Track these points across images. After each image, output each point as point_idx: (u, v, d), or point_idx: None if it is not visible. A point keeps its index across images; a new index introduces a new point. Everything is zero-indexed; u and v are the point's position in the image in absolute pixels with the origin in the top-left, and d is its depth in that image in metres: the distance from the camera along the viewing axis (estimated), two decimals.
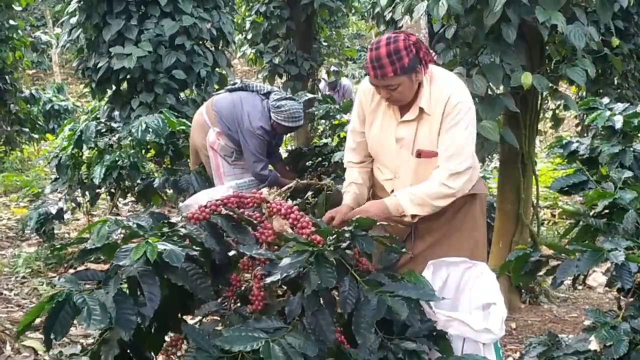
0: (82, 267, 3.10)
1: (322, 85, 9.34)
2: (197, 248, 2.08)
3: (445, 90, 2.56)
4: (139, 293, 1.96)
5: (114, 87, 6.37)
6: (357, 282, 2.03)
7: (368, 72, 2.54)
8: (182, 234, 2.12)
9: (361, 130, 2.79)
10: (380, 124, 2.71)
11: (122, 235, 2.10)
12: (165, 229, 2.12)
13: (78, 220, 6.23)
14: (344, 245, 2.13)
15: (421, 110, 2.58)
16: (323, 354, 1.90)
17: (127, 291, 2.00)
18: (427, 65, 2.58)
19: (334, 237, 2.14)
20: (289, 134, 6.39)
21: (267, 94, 4.28)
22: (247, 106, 4.21)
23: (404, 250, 2.34)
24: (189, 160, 4.74)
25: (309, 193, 3.84)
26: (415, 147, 2.63)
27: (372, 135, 2.74)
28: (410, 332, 2.05)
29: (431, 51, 4.42)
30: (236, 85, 4.42)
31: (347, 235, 2.14)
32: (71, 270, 4.68)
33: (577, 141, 4.04)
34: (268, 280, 2.01)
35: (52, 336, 1.84)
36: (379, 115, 2.72)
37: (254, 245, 2.18)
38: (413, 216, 2.57)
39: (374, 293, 1.99)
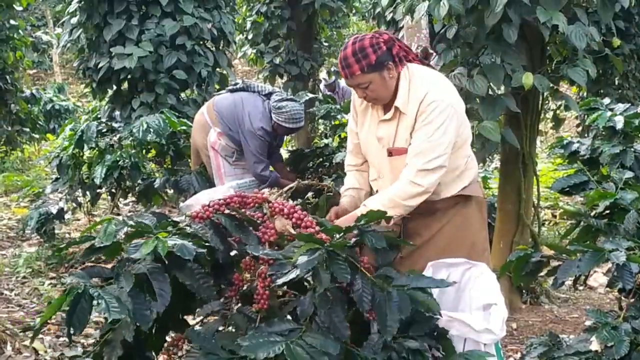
0: (81, 267, 3.10)
1: (321, 86, 9.34)
2: (205, 245, 2.08)
3: (422, 89, 2.51)
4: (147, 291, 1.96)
5: (114, 87, 6.38)
6: (368, 278, 2.00)
7: (340, 73, 2.55)
8: (188, 232, 2.11)
9: (357, 131, 2.78)
10: (369, 124, 2.70)
11: (125, 236, 2.10)
12: (170, 228, 2.12)
13: (79, 220, 6.24)
14: (350, 243, 2.10)
15: (397, 109, 2.56)
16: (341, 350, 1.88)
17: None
18: (404, 62, 2.56)
19: (340, 235, 2.11)
20: (289, 135, 6.38)
21: (268, 95, 4.27)
22: (248, 107, 4.21)
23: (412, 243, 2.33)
24: (189, 161, 4.74)
25: (310, 194, 3.84)
26: (392, 147, 2.60)
27: (362, 136, 2.74)
28: (413, 330, 2.04)
29: (431, 51, 4.44)
30: (237, 86, 4.41)
31: (355, 232, 2.11)
32: (74, 269, 4.68)
33: (578, 141, 4.04)
34: (280, 281, 1.98)
35: (72, 331, 1.84)
36: (367, 116, 2.71)
37: (258, 245, 2.17)
38: (387, 219, 2.52)
39: (395, 288, 1.96)
